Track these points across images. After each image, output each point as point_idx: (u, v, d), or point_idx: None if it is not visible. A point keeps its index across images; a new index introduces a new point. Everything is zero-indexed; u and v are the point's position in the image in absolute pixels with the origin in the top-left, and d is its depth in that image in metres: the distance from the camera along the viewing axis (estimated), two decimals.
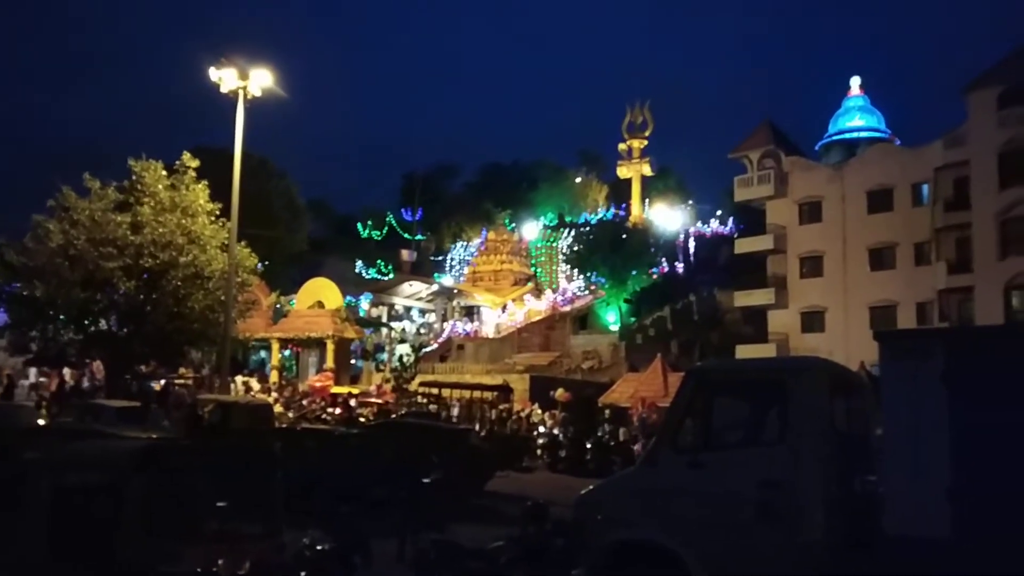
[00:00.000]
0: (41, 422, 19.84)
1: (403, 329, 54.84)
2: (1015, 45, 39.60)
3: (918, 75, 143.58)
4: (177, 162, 29.45)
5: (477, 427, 28.59)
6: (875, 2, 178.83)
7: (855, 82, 63.97)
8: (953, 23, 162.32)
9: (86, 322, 28.65)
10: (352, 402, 34.59)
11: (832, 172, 46.73)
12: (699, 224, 63.20)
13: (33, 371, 34.87)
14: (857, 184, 44.21)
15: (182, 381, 35.99)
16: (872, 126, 61.98)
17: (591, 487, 9.35)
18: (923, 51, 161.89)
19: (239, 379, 38.03)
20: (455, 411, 33.95)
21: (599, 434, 29.26)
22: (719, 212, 62.59)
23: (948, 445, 6.85)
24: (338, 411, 32.23)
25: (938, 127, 43.08)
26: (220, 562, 6.56)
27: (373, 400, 36.38)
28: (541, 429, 30.95)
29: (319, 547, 7.87)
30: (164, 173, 28.87)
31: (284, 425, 24.99)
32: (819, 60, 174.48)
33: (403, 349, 43.33)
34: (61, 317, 28.41)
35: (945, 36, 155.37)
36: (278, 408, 30.69)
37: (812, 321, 44.86)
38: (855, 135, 61.03)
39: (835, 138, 62.27)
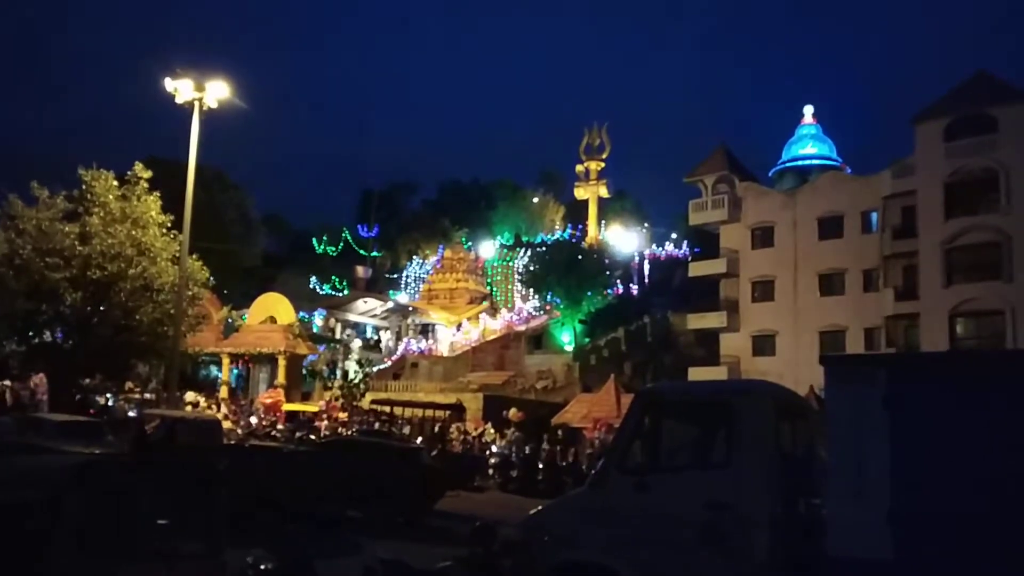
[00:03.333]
0: None
1: (359, 345, 54.40)
2: (963, 78, 40.76)
3: (869, 105, 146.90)
4: (129, 172, 29.00)
5: (429, 446, 28.42)
6: (829, 34, 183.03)
7: (808, 111, 65.32)
8: (905, 55, 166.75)
9: (30, 333, 28.01)
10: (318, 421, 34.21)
11: (785, 198, 47.48)
12: (654, 246, 63.78)
13: None
14: (808, 210, 44.96)
15: (138, 396, 35.33)
16: (824, 154, 63.23)
17: (539, 507, 9.33)
18: (874, 81, 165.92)
19: (189, 395, 37.42)
20: (407, 429, 33.74)
21: (551, 454, 29.23)
22: (674, 235, 63.25)
23: (889, 468, 6.95)
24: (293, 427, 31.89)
25: (887, 156, 43.98)
26: None
27: (325, 418, 36.02)
28: (493, 448, 30.87)
29: (262, 566, 7.71)
30: (115, 183, 28.41)
31: (232, 442, 24.60)
32: (773, 88, 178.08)
33: (353, 366, 42.95)
34: (4, 328, 27.74)
35: (896, 67, 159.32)
36: (227, 424, 30.23)
37: (763, 344, 45.38)
38: (807, 163, 62.21)
39: (788, 165, 63.40)
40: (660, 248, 63.09)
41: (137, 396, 36.19)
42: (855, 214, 43.57)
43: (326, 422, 35.18)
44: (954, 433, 6.87)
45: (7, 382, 29.42)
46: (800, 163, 62.62)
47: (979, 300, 37.60)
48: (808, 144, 63.80)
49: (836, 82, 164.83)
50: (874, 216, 43.01)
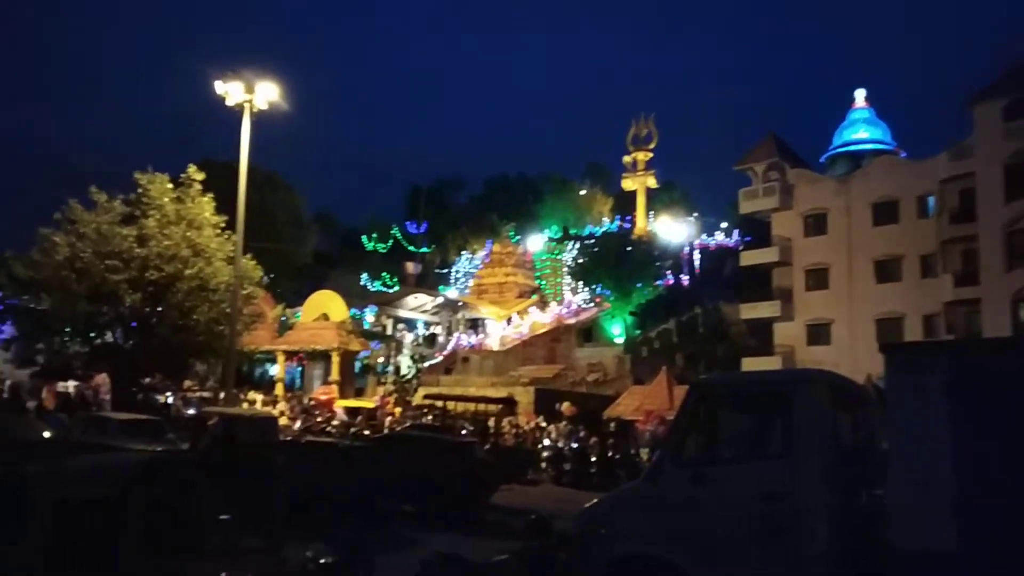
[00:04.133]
0: (46, 434, 19.81)
1: (410, 341, 54.82)
2: (1022, 57, 39.64)
3: (923, 87, 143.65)
4: (183, 175, 29.59)
5: (481, 440, 28.52)
6: (881, 15, 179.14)
7: (860, 94, 63.94)
8: (959, 35, 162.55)
9: (92, 334, 28.73)
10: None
11: (837, 184, 46.71)
12: (704, 236, 63.12)
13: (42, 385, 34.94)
14: (862, 196, 44.18)
15: (200, 394, 36.02)
16: (877, 138, 61.90)
17: (594, 500, 9.31)
18: (929, 63, 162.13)
19: (250, 394, 38.12)
20: (459, 424, 33.88)
21: (604, 447, 29.15)
22: (724, 224, 62.52)
23: (953, 457, 6.81)
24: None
25: (943, 139, 42.99)
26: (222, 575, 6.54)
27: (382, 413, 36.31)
28: (546, 442, 30.86)
29: (322, 560, 7.83)
30: (170, 186, 29.02)
31: (289, 438, 24.97)
32: (824, 73, 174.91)
33: (406, 362, 43.27)
34: (67, 329, 28.50)
35: (951, 48, 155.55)
36: (283, 421, 30.69)
37: (818, 333, 44.74)
38: (860, 147, 60.92)
39: (840, 150, 62.19)
40: (710, 238, 62.42)
41: (195, 394, 36.91)
42: (911, 199, 42.72)
43: (387, 418, 35.48)
44: (1020, 420, 6.71)
45: (72, 382, 30.22)
46: (853, 148, 61.35)
47: None
48: (861, 128, 62.51)
49: (889, 64, 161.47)
50: (931, 200, 42.10)
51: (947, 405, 6.87)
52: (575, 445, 29.41)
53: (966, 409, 6.83)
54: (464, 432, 30.37)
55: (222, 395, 29.13)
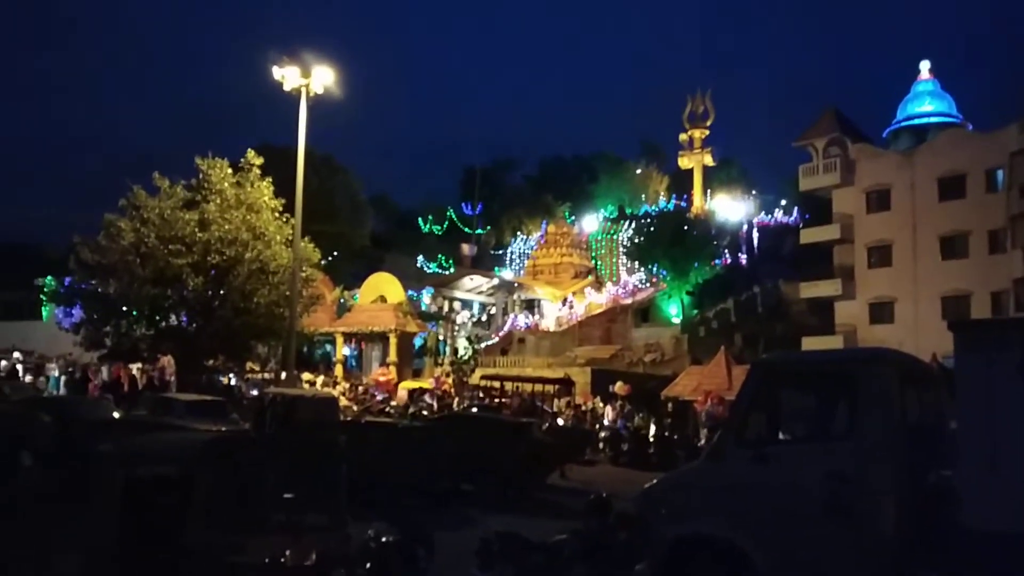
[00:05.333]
0: (116, 415, 20.38)
1: (466, 322, 55.07)
2: None
3: (991, 58, 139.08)
4: (242, 160, 30.05)
5: (539, 420, 28.56)
6: None
7: (924, 66, 62.07)
8: None
9: (157, 318, 29.41)
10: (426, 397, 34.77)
11: (901, 159, 45.54)
12: (763, 214, 62.17)
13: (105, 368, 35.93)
14: (927, 171, 43.02)
15: (262, 376, 36.68)
16: (943, 111, 60.10)
17: (655, 480, 9.26)
18: (995, 33, 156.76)
19: (306, 374, 38.69)
20: (516, 404, 33.96)
21: (662, 427, 28.99)
22: (783, 202, 61.47)
23: None
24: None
25: (1013, 111, 41.45)
26: (287, 553, 6.65)
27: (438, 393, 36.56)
28: (605, 422, 30.79)
29: (384, 539, 7.93)
30: (229, 171, 29.49)
31: (348, 418, 25.32)
32: (887, 44, 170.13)
33: (463, 343, 43.50)
34: (133, 313, 29.20)
35: (1020, 16, 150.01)
36: (343, 401, 31.10)
37: (881, 312, 43.82)
38: (925, 121, 59.21)
39: (904, 124, 60.54)
40: (769, 216, 61.45)
41: (257, 376, 37.58)
42: (978, 172, 41.44)
43: (438, 399, 35.74)
44: None
45: (139, 364, 30.99)
46: (917, 122, 59.64)
47: None
48: (926, 101, 60.74)
49: (955, 35, 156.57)
50: (1000, 174, 40.77)
51: (1019, 385, 6.66)
52: (629, 425, 29.31)
53: None
54: (514, 407, 30.52)
55: (283, 376, 29.61)
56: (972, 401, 7.01)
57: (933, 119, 58.85)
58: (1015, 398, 6.69)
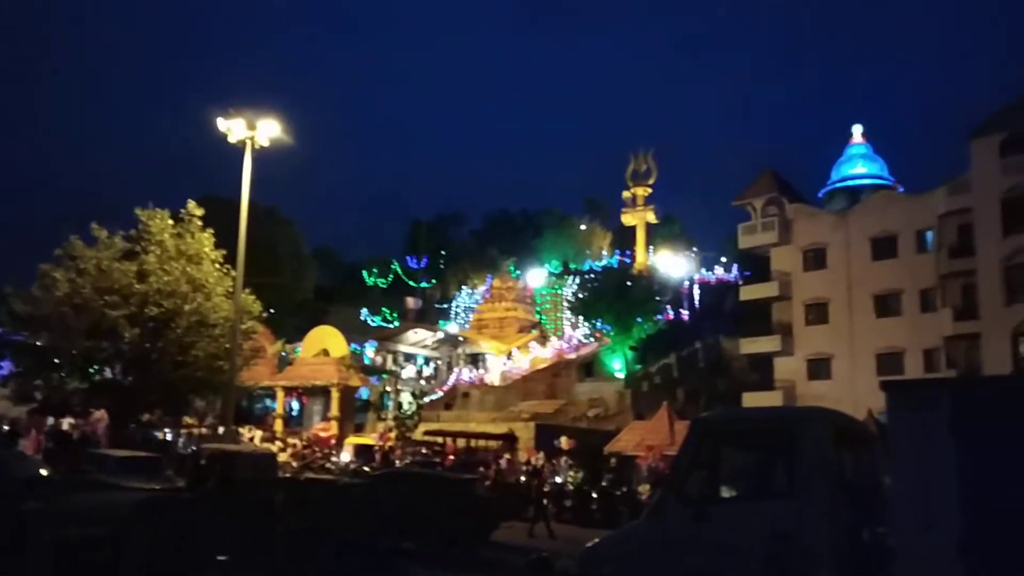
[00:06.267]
0: (44, 472, 19.67)
1: (410, 376, 54.63)
2: (1018, 92, 39.97)
3: (919, 123, 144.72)
4: (183, 211, 29.69)
5: (482, 476, 28.30)
6: (876, 53, 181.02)
7: (857, 130, 64.46)
8: (953, 72, 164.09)
9: (91, 371, 28.62)
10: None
11: (836, 219, 46.84)
12: (704, 271, 63.26)
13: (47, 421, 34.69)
14: (861, 231, 44.29)
15: (199, 431, 35.83)
16: (875, 173, 62.29)
17: (596, 540, 9.23)
18: (924, 99, 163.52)
19: (247, 429, 37.93)
20: (460, 460, 33.67)
21: (605, 483, 28.95)
22: (723, 259, 62.68)
23: (958, 497, 6.75)
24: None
25: (940, 175, 43.11)
26: None
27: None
28: (557, 479, 30.58)
29: None
30: (170, 222, 29.10)
31: (288, 475, 24.81)
32: (821, 109, 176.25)
33: (407, 398, 43.14)
34: (66, 365, 28.40)
35: (946, 84, 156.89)
36: (283, 457, 30.50)
37: (818, 368, 44.61)
38: (858, 182, 61.30)
39: (838, 185, 62.54)
40: (710, 272, 62.55)
41: (195, 430, 36.70)
42: (909, 233, 42.79)
43: (380, 454, 35.27)
44: (1023, 458, 6.66)
45: (70, 419, 30.05)
46: (851, 183, 61.71)
47: None
48: (858, 164, 62.92)
49: (885, 101, 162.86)
50: (929, 235, 42.18)
51: (950, 443, 6.82)
52: (571, 481, 29.21)
53: (969, 447, 6.78)
54: (455, 465, 30.20)
55: (221, 431, 28.94)
56: (904, 459, 7.14)
57: (866, 181, 60.99)
58: (946, 457, 6.84)
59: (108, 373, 28.94)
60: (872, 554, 7.59)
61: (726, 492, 8.40)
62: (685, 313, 56.71)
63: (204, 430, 37.24)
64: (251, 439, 36.64)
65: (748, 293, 48.87)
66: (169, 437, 34.58)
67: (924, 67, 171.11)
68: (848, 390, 39.12)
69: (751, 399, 42.25)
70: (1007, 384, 10.49)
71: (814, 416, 8.41)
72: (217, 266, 29.44)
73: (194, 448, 26.88)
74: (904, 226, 42.88)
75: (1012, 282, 37.74)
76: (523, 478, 30.61)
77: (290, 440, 39.30)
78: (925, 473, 6.91)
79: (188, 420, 37.54)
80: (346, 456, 35.24)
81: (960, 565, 6.62)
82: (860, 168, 62.64)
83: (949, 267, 40.40)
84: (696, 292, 58.82)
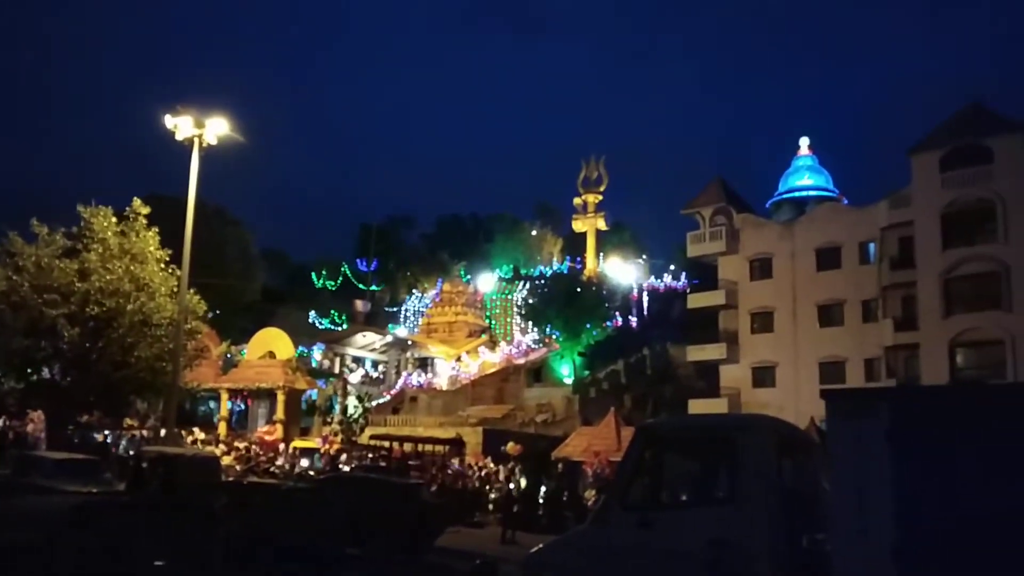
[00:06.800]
0: None
1: (358, 380, 54.21)
2: (957, 109, 40.97)
3: (865, 136, 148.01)
4: (128, 208, 29.10)
5: (428, 481, 28.21)
6: (823, 66, 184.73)
7: (804, 142, 65.67)
8: (899, 86, 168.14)
9: (28, 371, 27.91)
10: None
11: (782, 229, 47.60)
12: (653, 278, 63.85)
13: None
14: (806, 242, 45.06)
15: (140, 433, 35.13)
16: (820, 185, 63.50)
17: (541, 545, 9.25)
18: (870, 113, 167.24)
19: (194, 431, 37.34)
20: (406, 465, 33.51)
21: (552, 489, 29.01)
22: (672, 267, 63.33)
23: (893, 503, 6.90)
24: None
25: (884, 187, 44.00)
26: None
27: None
28: (508, 487, 30.52)
29: None
30: (114, 220, 28.49)
31: (231, 478, 24.43)
32: (769, 120, 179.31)
33: (353, 401, 42.81)
34: (2, 365, 27.65)
35: (891, 98, 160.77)
36: (226, 460, 30.03)
37: (763, 376, 45.25)
38: (804, 194, 62.43)
39: (785, 196, 63.62)
40: (659, 280, 63.16)
41: (136, 432, 35.98)
42: (853, 245, 43.64)
43: (325, 457, 34.94)
44: (957, 467, 6.82)
45: (5, 420, 29.29)
46: (797, 194, 62.83)
47: (979, 330, 37.55)
48: (805, 175, 64.09)
49: (832, 114, 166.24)
50: (872, 247, 43.08)
51: (886, 452, 6.97)
52: (523, 486, 29.21)
53: (906, 456, 6.94)
54: (400, 469, 30.06)
55: (163, 433, 28.40)
56: (843, 467, 7.28)
57: (812, 192, 62.13)
58: (882, 464, 6.99)
59: (46, 373, 28.23)
60: (811, 560, 7.72)
61: (669, 499, 8.48)
62: (634, 320, 57.18)
63: (146, 432, 36.54)
64: (194, 442, 36.03)
65: (695, 301, 49.40)
66: (109, 439, 33.81)
67: (870, 81, 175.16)
68: (792, 398, 39.78)
69: (697, 406, 42.70)
70: (942, 394, 10.77)
71: (756, 424, 8.54)
72: (162, 266, 28.90)
73: (135, 451, 26.34)
74: (848, 238, 43.73)
75: (950, 294, 38.69)
76: (476, 484, 30.65)
77: (234, 443, 38.72)
78: (862, 480, 7.04)
79: (129, 422, 36.80)
80: (305, 461, 34.83)
81: (894, 570, 6.76)
82: (806, 180, 63.81)
83: (890, 279, 41.31)
84: (645, 299, 59.35)
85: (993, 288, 37.56)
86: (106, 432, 33.84)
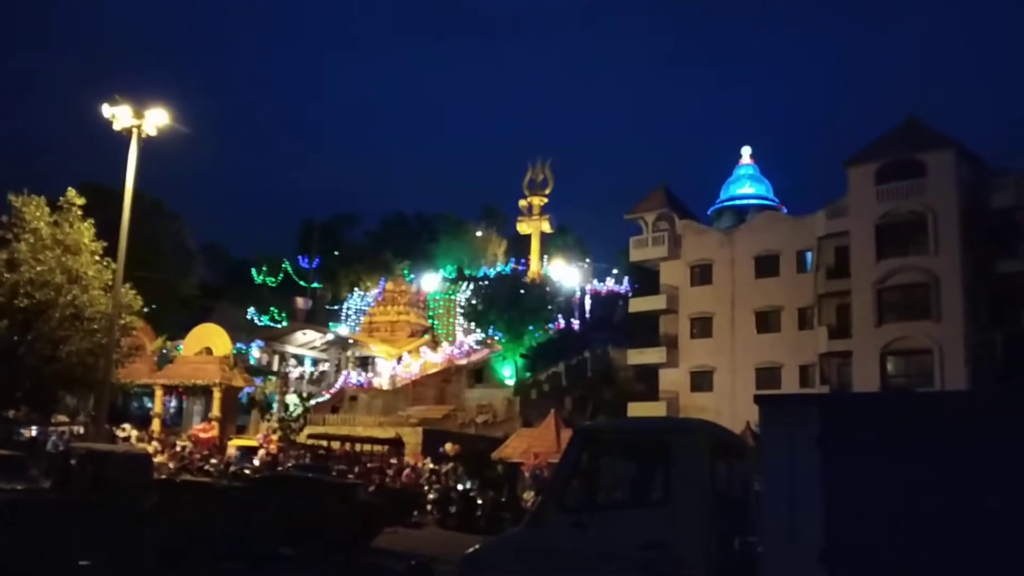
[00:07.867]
0: None
1: (297, 378, 53.59)
2: (895, 122, 42.11)
3: (805, 147, 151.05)
4: (62, 198, 28.33)
5: (366, 481, 28.00)
6: (766, 77, 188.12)
7: (746, 151, 66.79)
8: (839, 98, 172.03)
9: None
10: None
11: (723, 236, 48.31)
12: (595, 282, 64.29)
13: None
14: (746, 249, 45.81)
15: (70, 429, 34.24)
16: (761, 194, 64.62)
17: (476, 546, 9.26)
18: (810, 124, 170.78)
19: (124, 426, 36.49)
20: (344, 464, 33.22)
21: (488, 489, 29.04)
22: (615, 271, 63.85)
23: (822, 508, 7.04)
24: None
25: (822, 198, 45.05)
26: None
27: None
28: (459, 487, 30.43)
29: None
30: (47, 209, 27.71)
31: (164, 476, 23.96)
32: (713, 129, 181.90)
33: (293, 399, 42.30)
34: None
35: (831, 110, 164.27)
36: (159, 458, 29.45)
37: (701, 380, 45.86)
38: (745, 202, 63.48)
39: (726, 204, 64.60)
40: (601, 283, 63.61)
41: (65, 428, 35.06)
42: (791, 253, 44.48)
43: (261, 456, 34.46)
44: (884, 473, 6.98)
45: None
46: (738, 203, 63.87)
47: (909, 339, 38.57)
48: (746, 184, 65.18)
49: (773, 124, 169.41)
50: (809, 256, 43.95)
51: (817, 457, 7.11)
52: (459, 487, 29.20)
53: (835, 461, 7.08)
54: (338, 469, 29.79)
55: (92, 430, 27.73)
56: (774, 471, 7.40)
57: (752, 201, 63.20)
58: (812, 469, 7.13)
59: None
60: (743, 562, 7.85)
61: (605, 501, 8.55)
62: (576, 323, 57.50)
63: (77, 428, 35.64)
64: (126, 439, 35.25)
65: (637, 305, 49.91)
66: (36, 435, 32.89)
67: (811, 93, 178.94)
68: (728, 402, 40.42)
69: (636, 409, 43.15)
70: (871, 401, 11.03)
71: (691, 428, 8.67)
72: (96, 258, 28.18)
73: (63, 447, 25.64)
74: (786, 246, 44.56)
75: (883, 304, 39.67)
76: (425, 485, 30.51)
77: (169, 440, 37.99)
78: (792, 484, 7.17)
79: (60, 418, 35.84)
80: (244, 460, 34.28)
81: (822, 573, 6.91)
82: (747, 188, 64.90)
83: (826, 287, 42.20)
84: (587, 302, 59.73)
85: (923, 298, 38.62)
86: (34, 428, 32.90)
